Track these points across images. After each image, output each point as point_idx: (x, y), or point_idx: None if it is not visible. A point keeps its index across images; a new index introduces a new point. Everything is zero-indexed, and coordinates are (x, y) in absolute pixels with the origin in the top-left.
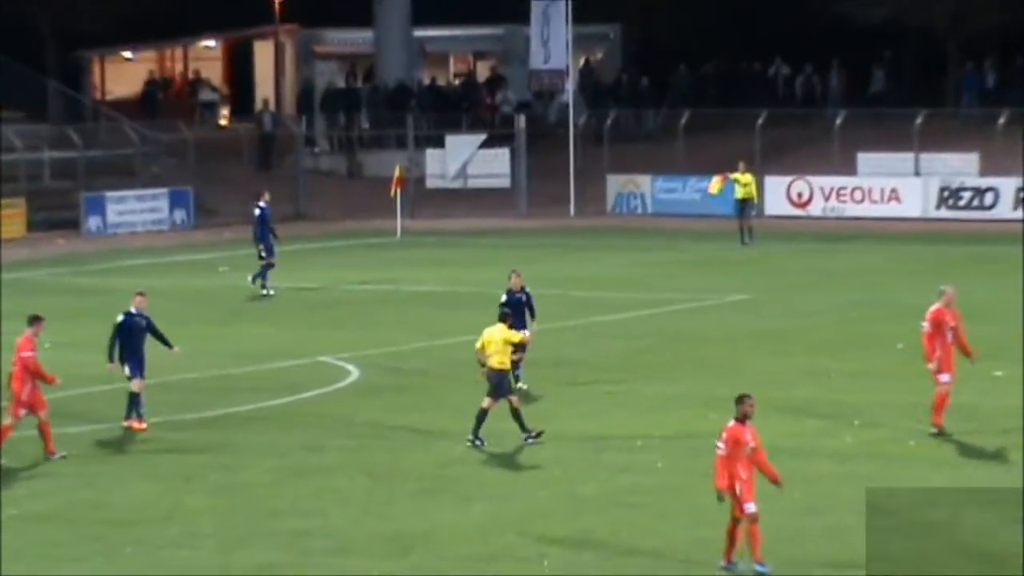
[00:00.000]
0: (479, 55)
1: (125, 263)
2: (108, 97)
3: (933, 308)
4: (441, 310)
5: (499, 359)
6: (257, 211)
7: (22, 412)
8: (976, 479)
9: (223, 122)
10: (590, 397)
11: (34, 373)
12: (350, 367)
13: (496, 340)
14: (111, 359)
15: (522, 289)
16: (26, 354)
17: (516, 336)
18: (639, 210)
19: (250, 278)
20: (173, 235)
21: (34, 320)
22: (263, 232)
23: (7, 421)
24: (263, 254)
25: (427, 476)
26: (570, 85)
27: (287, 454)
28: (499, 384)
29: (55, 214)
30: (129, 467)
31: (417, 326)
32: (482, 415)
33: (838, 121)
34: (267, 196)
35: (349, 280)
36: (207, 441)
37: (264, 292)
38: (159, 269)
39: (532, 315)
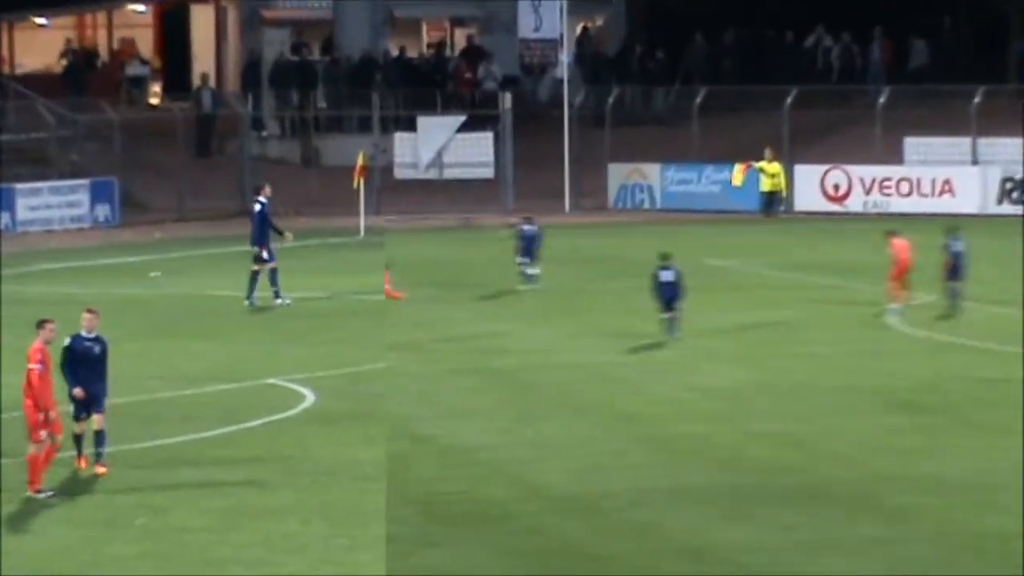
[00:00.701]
0: (457, 22)
1: (39, 267)
2: (18, 71)
3: None
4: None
5: None
6: (257, 207)
7: (45, 432)
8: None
9: (154, 101)
10: None
11: (31, 388)
12: (304, 391)
13: None
14: (73, 386)
15: None
16: (31, 366)
17: None
18: (646, 204)
19: (247, 297)
20: (95, 234)
21: (38, 325)
22: (262, 233)
23: (34, 450)
24: (264, 258)
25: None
26: (565, 57)
27: (229, 494)
28: None
29: None
30: (44, 510)
31: (383, 342)
32: None
33: (881, 100)
34: (268, 190)
35: (304, 287)
36: (134, 479)
37: (280, 302)
38: (79, 274)
39: None
